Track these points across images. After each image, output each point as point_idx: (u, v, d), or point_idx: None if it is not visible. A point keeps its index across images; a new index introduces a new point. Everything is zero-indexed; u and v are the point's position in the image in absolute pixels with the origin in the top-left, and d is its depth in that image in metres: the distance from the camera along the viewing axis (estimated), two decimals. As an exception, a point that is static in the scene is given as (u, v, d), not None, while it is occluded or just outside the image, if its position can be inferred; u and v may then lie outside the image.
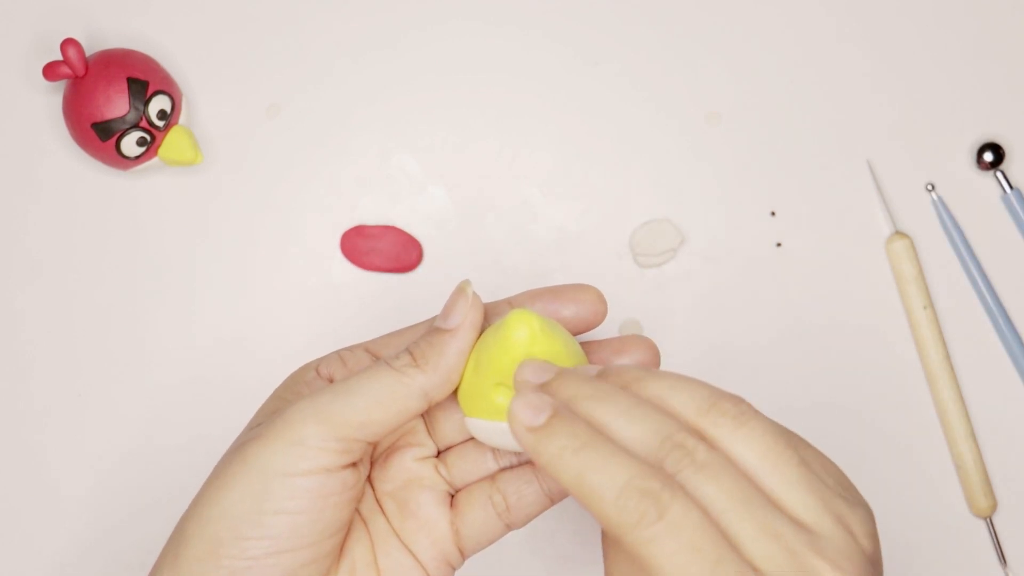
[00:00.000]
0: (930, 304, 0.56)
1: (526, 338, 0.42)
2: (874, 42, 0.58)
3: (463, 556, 0.46)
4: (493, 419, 0.43)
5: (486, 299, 0.45)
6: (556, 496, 0.46)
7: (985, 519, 0.56)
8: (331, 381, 0.46)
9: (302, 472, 0.41)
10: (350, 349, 0.47)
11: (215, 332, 0.57)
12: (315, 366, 0.46)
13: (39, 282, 0.57)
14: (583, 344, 0.46)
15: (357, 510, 0.46)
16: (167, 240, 0.57)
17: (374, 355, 0.46)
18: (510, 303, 0.47)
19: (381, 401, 0.42)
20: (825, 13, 0.58)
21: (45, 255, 0.58)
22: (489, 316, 0.46)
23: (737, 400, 0.39)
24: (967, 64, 0.58)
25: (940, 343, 0.56)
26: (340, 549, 0.45)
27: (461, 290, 0.44)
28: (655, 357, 0.46)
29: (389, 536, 0.46)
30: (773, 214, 0.57)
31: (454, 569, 0.46)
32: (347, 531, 0.45)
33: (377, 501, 0.46)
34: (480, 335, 0.44)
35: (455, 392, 0.44)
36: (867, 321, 0.57)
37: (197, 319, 0.57)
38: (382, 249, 0.57)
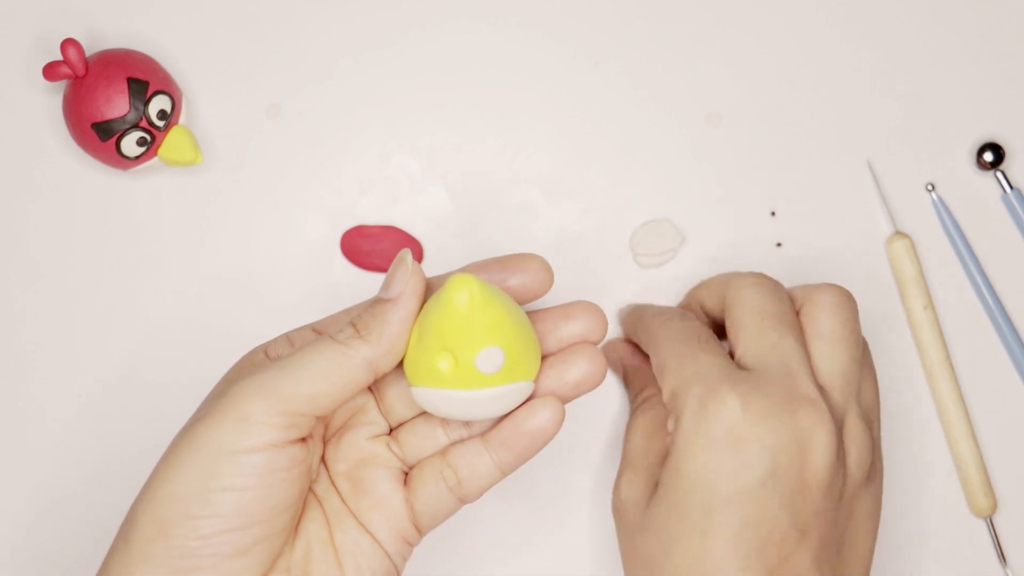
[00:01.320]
0: (930, 304, 0.56)
1: (466, 302, 0.42)
2: (874, 42, 0.58)
3: (420, 533, 0.47)
4: (438, 386, 0.43)
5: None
6: (507, 468, 0.46)
7: (985, 519, 0.56)
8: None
9: (249, 448, 0.41)
10: (297, 330, 0.47)
11: (216, 332, 0.57)
12: (264, 349, 0.47)
13: (39, 282, 0.57)
14: (529, 313, 0.46)
15: (312, 490, 0.46)
16: (167, 240, 0.57)
17: (319, 333, 0.47)
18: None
19: (326, 374, 0.42)
20: (825, 13, 0.58)
21: (45, 255, 0.58)
22: (434, 289, 0.46)
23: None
24: (967, 64, 0.58)
25: (940, 343, 0.56)
26: (295, 527, 0.45)
27: (401, 259, 0.44)
28: (602, 322, 0.47)
29: (345, 515, 0.46)
30: (773, 214, 0.57)
31: (411, 546, 0.47)
32: (301, 509, 0.45)
33: (331, 481, 0.46)
34: (423, 305, 0.44)
35: (402, 365, 0.44)
36: (867, 321, 0.57)
37: (197, 319, 0.57)
38: (382, 249, 0.57)
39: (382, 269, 0.57)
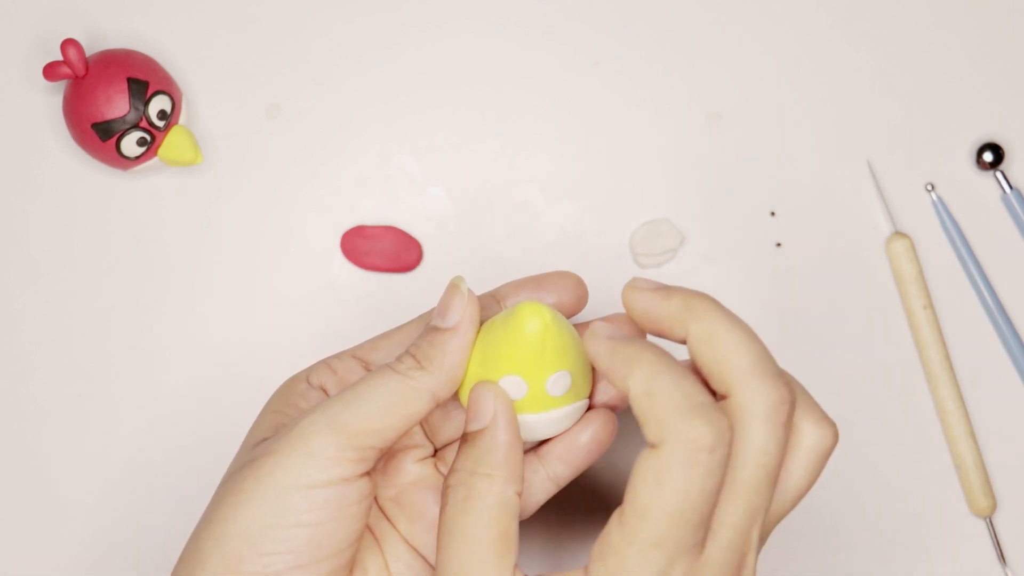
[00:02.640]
0: (930, 304, 0.56)
1: (539, 329, 0.42)
2: (874, 42, 0.58)
3: None
4: None
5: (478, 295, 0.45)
6: (561, 481, 0.46)
7: (985, 519, 0.56)
8: (324, 390, 0.46)
9: (320, 484, 0.41)
10: (337, 357, 0.47)
11: (215, 332, 0.57)
12: (304, 377, 0.46)
13: (39, 282, 0.57)
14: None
15: None
16: (167, 240, 0.57)
17: (361, 360, 0.46)
18: (494, 296, 0.47)
19: (391, 406, 0.42)
20: (825, 13, 0.58)
21: (45, 255, 0.58)
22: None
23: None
24: (967, 64, 0.58)
25: (940, 343, 0.56)
26: (354, 560, 0.44)
27: (455, 287, 0.44)
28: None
29: (397, 542, 0.46)
30: (773, 214, 0.57)
31: None
32: (361, 542, 0.45)
33: (380, 508, 0.46)
34: (479, 329, 0.44)
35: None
36: (867, 321, 0.57)
37: (197, 319, 0.57)
38: (382, 249, 0.57)
39: (382, 269, 0.57)
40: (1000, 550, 0.56)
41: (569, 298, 0.46)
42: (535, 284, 0.46)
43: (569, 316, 0.47)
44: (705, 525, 0.38)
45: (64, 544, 0.56)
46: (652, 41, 0.58)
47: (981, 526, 0.56)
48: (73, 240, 0.58)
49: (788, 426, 0.39)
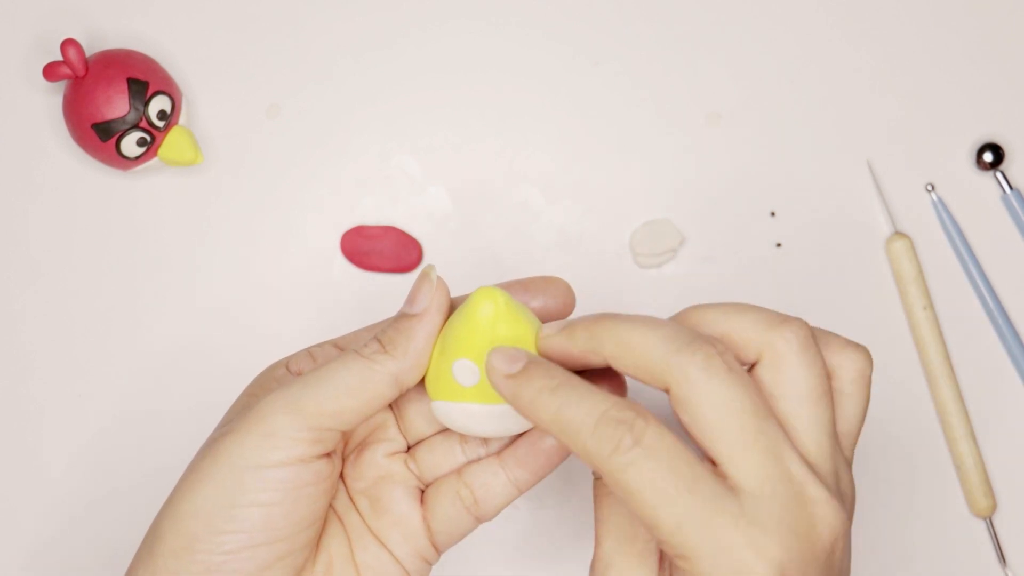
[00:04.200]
0: (930, 304, 0.56)
1: (491, 313, 0.42)
2: (874, 42, 0.58)
3: (438, 552, 0.46)
4: (459, 400, 0.43)
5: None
6: (523, 486, 0.46)
7: (985, 519, 0.56)
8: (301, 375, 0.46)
9: (275, 463, 0.41)
10: (319, 345, 0.47)
11: (215, 332, 0.57)
12: (285, 363, 0.46)
13: (39, 282, 0.57)
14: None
15: (332, 506, 0.46)
16: (167, 240, 0.58)
17: (340, 349, 0.46)
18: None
19: (352, 388, 0.42)
20: (825, 14, 0.58)
21: (45, 255, 0.58)
22: (455, 308, 0.46)
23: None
24: (967, 64, 0.58)
25: (940, 343, 0.56)
26: (316, 544, 0.45)
27: (425, 275, 0.44)
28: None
29: (364, 532, 0.46)
30: (773, 214, 0.57)
31: (430, 565, 0.47)
32: (322, 525, 0.45)
33: (350, 498, 0.46)
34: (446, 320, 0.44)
35: (423, 381, 0.44)
36: (867, 321, 0.57)
37: (197, 319, 0.57)
38: (382, 249, 0.57)
39: (382, 269, 0.57)
40: (1000, 550, 0.56)
41: (556, 304, 0.46)
42: (521, 287, 0.46)
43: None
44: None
45: (63, 543, 0.56)
46: (652, 41, 0.58)
47: (981, 526, 0.56)
48: (73, 240, 0.58)
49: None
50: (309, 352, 0.47)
